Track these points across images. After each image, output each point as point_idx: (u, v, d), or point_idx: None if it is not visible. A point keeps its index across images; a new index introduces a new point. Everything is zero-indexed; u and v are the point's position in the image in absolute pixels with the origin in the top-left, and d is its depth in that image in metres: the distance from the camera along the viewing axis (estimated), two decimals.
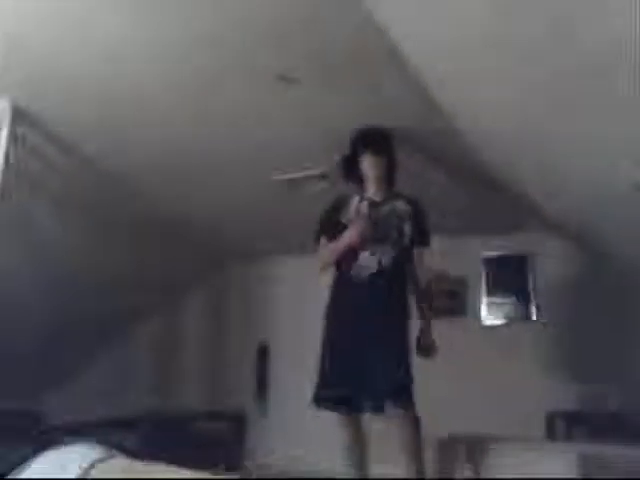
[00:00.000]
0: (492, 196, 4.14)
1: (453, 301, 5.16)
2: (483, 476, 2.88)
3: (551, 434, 3.86)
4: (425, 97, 2.81)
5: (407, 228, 2.98)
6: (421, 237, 3.05)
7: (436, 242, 4.76)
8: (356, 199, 3.07)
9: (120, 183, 3.98)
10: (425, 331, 2.96)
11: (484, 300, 5.09)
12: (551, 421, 3.92)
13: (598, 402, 4.10)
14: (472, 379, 4.77)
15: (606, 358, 4.41)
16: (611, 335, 4.44)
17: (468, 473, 3.00)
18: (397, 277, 2.93)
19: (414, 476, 2.62)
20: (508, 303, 5.01)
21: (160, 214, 4.52)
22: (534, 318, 4.89)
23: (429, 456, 3.21)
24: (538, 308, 4.88)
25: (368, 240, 2.89)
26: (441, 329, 4.79)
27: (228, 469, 4.60)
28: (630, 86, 2.01)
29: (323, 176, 3.90)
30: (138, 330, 5.94)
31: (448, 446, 3.29)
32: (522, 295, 4.97)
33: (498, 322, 5.01)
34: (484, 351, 4.85)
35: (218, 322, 6.04)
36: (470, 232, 4.92)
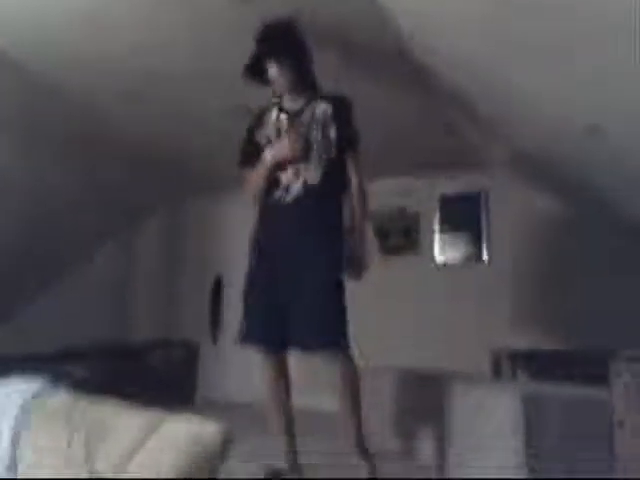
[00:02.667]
0: (447, 133, 4.09)
1: (407, 239, 5.21)
2: (430, 412, 2.91)
3: (497, 373, 3.97)
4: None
5: (332, 133, 2.60)
6: (349, 139, 2.64)
7: (392, 180, 4.85)
8: (274, 111, 2.71)
9: (77, 104, 3.83)
10: (355, 245, 2.62)
11: (437, 237, 5.12)
12: (497, 360, 4.02)
13: (543, 341, 4.22)
14: (422, 315, 4.88)
15: (554, 298, 4.53)
16: (560, 275, 4.55)
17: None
18: (327, 197, 2.58)
19: (349, 417, 2.51)
20: (461, 241, 5.06)
21: (117, 138, 4.38)
22: (485, 257, 4.96)
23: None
24: (489, 247, 4.94)
25: (295, 157, 2.55)
26: (394, 266, 4.94)
27: (181, 400, 4.64)
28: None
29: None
30: (92, 259, 5.84)
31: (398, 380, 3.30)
32: (474, 234, 5.02)
33: (450, 260, 5.07)
34: (435, 288, 4.94)
35: (174, 253, 6.00)
36: (426, 170, 4.91)
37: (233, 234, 5.68)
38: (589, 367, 3.04)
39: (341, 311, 2.50)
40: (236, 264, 5.55)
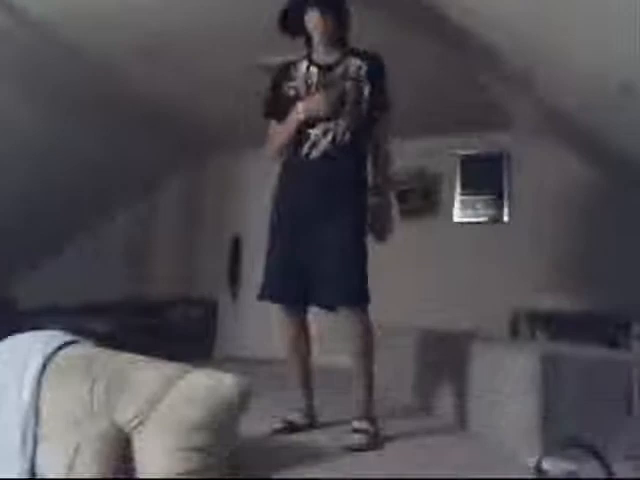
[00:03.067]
0: (473, 92, 4.02)
1: (428, 200, 5.17)
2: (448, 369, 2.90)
3: (515, 333, 3.97)
4: None
5: (366, 91, 2.52)
6: (382, 102, 2.58)
7: (413, 140, 4.79)
8: (304, 64, 2.60)
9: (92, 62, 3.78)
10: (381, 209, 2.57)
11: (457, 197, 5.08)
12: (516, 320, 4.02)
13: (564, 303, 4.20)
14: (442, 276, 4.87)
15: (575, 259, 4.50)
16: (582, 236, 4.51)
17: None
18: (354, 156, 2.54)
19: (360, 376, 2.48)
20: (481, 201, 5.02)
21: (136, 98, 4.34)
22: (506, 218, 4.92)
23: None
24: (511, 208, 4.90)
25: (327, 115, 2.47)
26: (414, 226, 4.92)
27: (199, 355, 4.70)
28: None
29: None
30: (112, 217, 5.88)
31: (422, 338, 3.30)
32: (495, 195, 4.97)
33: (470, 219, 5.04)
34: (455, 249, 4.92)
35: (193, 212, 6.01)
36: (449, 130, 4.84)
37: (251, 193, 5.68)
38: (609, 329, 3.03)
39: (362, 269, 2.47)
40: (254, 222, 5.59)
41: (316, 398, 2.67)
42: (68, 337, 2.01)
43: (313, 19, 2.53)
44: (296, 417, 2.56)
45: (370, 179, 2.62)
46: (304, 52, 2.66)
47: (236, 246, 5.82)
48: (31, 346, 1.92)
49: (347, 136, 2.50)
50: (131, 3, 3.15)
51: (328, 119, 2.49)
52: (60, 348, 1.91)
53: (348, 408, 2.52)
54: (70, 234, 5.62)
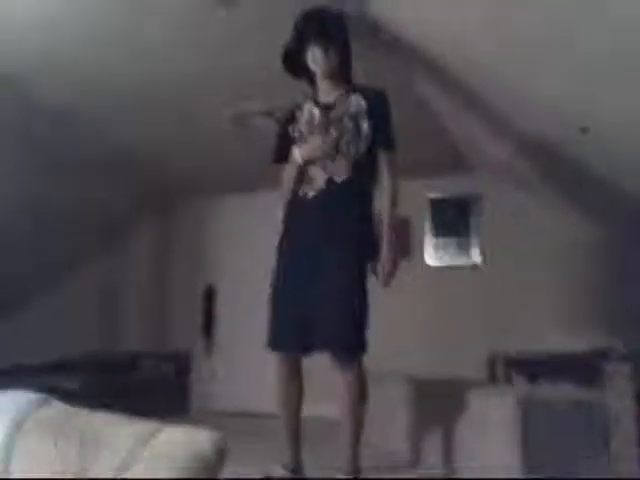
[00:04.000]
0: (438, 135, 4.09)
1: (399, 243, 5.17)
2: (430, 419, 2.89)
3: (492, 377, 3.96)
4: None
5: (365, 127, 2.51)
6: (382, 136, 2.56)
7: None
8: (308, 105, 2.64)
9: (57, 115, 3.78)
10: (387, 255, 2.52)
11: (428, 241, 5.11)
12: (492, 364, 4.01)
13: (537, 344, 4.21)
14: (414, 319, 4.86)
15: (548, 304, 4.54)
16: (554, 283, 4.56)
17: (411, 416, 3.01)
18: (353, 193, 2.49)
19: (349, 426, 2.46)
20: (453, 245, 5.05)
21: (101, 149, 4.34)
22: (477, 261, 4.95)
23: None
24: (481, 251, 4.94)
25: (324, 157, 2.48)
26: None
27: (175, 411, 4.59)
28: None
29: (270, 113, 3.72)
30: (80, 270, 5.79)
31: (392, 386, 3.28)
32: (466, 237, 5.01)
33: (442, 264, 5.06)
34: (427, 292, 4.92)
35: (163, 263, 5.96)
36: (414, 173, 4.90)
37: (224, 241, 5.66)
38: (584, 369, 3.04)
39: (360, 318, 2.45)
40: (228, 271, 5.58)
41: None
42: (36, 397, 1.94)
43: (315, 55, 2.55)
44: (277, 471, 2.50)
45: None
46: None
47: (209, 297, 5.76)
48: None
49: (345, 174, 2.48)
50: (99, 55, 3.17)
51: (326, 159, 2.50)
52: (29, 408, 1.84)
53: (327, 459, 2.48)
54: (36, 289, 5.52)
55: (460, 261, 5.03)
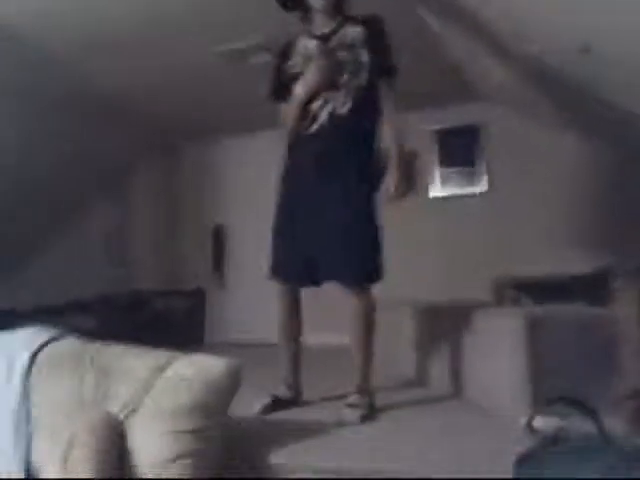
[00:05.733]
0: (441, 64, 4.02)
1: (408, 176, 5.17)
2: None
3: (500, 300, 4.00)
4: None
5: (364, 56, 2.44)
6: (384, 64, 2.48)
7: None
8: (302, 40, 2.57)
9: (51, 60, 3.74)
10: (396, 172, 2.48)
11: (436, 172, 5.10)
12: (500, 288, 4.05)
13: (546, 269, 4.23)
14: (422, 248, 4.90)
15: (554, 227, 4.55)
16: (560, 206, 4.56)
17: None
18: (355, 126, 2.44)
19: (359, 350, 2.48)
20: (460, 174, 5.04)
21: (96, 92, 4.30)
22: (485, 189, 4.95)
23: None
24: (487, 179, 4.93)
25: (324, 84, 2.41)
26: (395, 203, 4.91)
27: (189, 344, 4.69)
28: None
29: (266, 48, 3.64)
30: (92, 213, 5.83)
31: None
32: (474, 166, 5.00)
33: (450, 193, 5.07)
34: (435, 221, 4.95)
35: (173, 203, 5.98)
36: (423, 106, 4.84)
37: (230, 181, 5.67)
38: (592, 288, 3.07)
39: (376, 244, 2.46)
40: (236, 210, 5.60)
41: (304, 376, 2.68)
42: (53, 332, 1.99)
43: None
44: (282, 391, 2.58)
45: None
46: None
47: (218, 235, 5.81)
48: (16, 343, 1.91)
49: (346, 106, 2.44)
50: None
51: (327, 90, 2.45)
52: (46, 343, 1.89)
53: (335, 385, 2.55)
54: (48, 233, 5.57)
55: (466, 190, 5.02)
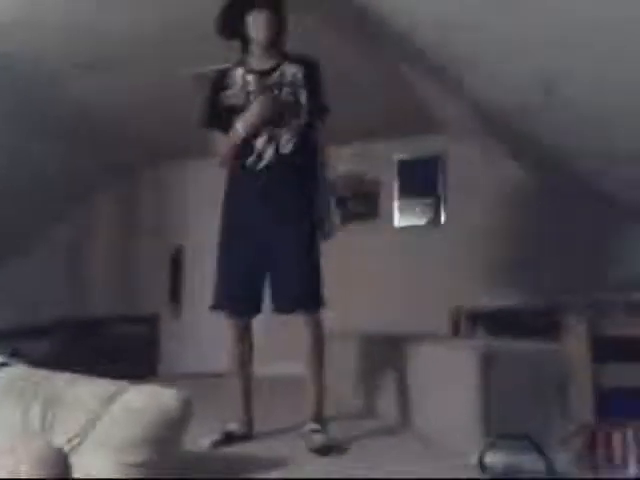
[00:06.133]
0: (404, 96, 4.10)
1: (367, 204, 5.24)
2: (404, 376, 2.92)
3: (456, 332, 4.04)
4: None
5: (302, 98, 2.52)
6: (320, 107, 2.57)
7: (349, 146, 4.84)
8: (239, 71, 2.58)
9: (17, 78, 3.69)
10: (324, 208, 2.60)
11: (396, 202, 5.17)
12: (456, 319, 4.10)
13: (499, 300, 4.30)
14: (382, 279, 4.93)
15: (509, 260, 4.63)
16: (515, 238, 4.65)
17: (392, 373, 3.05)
18: (299, 163, 2.53)
19: (313, 381, 2.51)
20: (419, 205, 5.11)
21: (61, 110, 4.25)
22: (442, 220, 5.03)
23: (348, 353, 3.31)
24: (447, 211, 5.01)
25: (265, 121, 2.46)
26: (354, 231, 4.96)
27: (142, 373, 4.61)
28: None
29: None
30: (48, 236, 5.73)
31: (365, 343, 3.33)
32: (433, 198, 5.07)
33: (408, 223, 5.13)
34: (394, 252, 4.99)
35: (130, 227, 5.91)
36: (385, 135, 4.93)
37: (191, 204, 5.63)
38: (545, 322, 3.12)
39: (317, 273, 2.51)
40: (196, 234, 5.57)
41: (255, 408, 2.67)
42: (3, 359, 1.95)
43: (259, 21, 2.51)
44: (234, 427, 2.55)
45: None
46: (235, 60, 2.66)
47: (177, 260, 5.75)
48: None
49: (290, 145, 2.51)
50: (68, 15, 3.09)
51: (269, 125, 2.48)
52: None
53: (284, 416, 2.53)
54: (4, 254, 5.45)
55: (425, 220, 5.09)
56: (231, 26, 2.58)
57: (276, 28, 2.54)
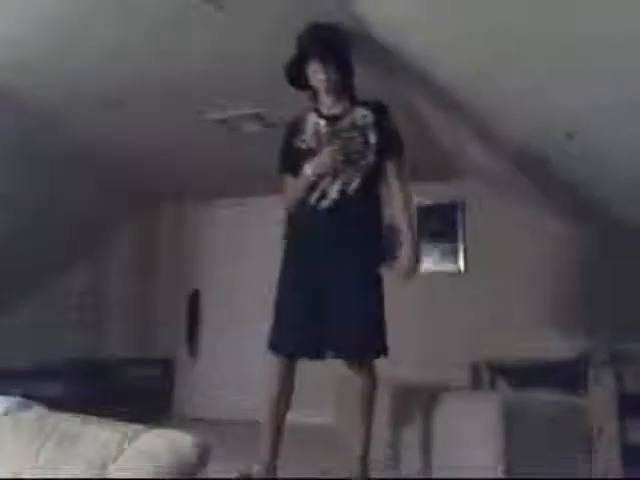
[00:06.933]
0: (426, 140, 4.12)
1: (388, 249, 5.22)
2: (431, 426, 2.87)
3: (476, 384, 3.96)
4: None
5: (372, 138, 2.56)
6: (391, 147, 2.61)
7: None
8: (312, 117, 2.67)
9: (38, 116, 3.75)
10: (406, 249, 2.59)
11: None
12: (476, 370, 4.02)
13: (523, 351, 4.22)
14: (398, 325, 4.86)
15: (531, 311, 4.56)
16: (537, 289, 4.59)
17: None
18: (364, 203, 2.55)
19: (362, 425, 2.59)
20: (438, 251, 5.09)
21: (84, 151, 4.30)
22: (462, 269, 4.98)
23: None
24: (466, 257, 4.98)
25: (335, 170, 2.51)
26: None
27: (157, 418, 4.56)
28: None
29: (259, 116, 3.73)
30: (63, 275, 5.74)
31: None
32: (452, 245, 5.05)
33: (428, 270, 5.09)
34: (414, 298, 4.94)
35: (148, 268, 5.92)
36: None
37: (208, 246, 5.65)
38: (568, 375, 3.06)
39: (382, 320, 2.54)
40: (213, 277, 5.57)
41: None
42: (19, 401, 1.92)
43: (315, 70, 2.59)
44: (257, 470, 2.49)
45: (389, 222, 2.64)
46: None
47: (194, 302, 5.74)
48: None
49: (356, 185, 2.53)
50: (84, 57, 3.16)
51: (337, 172, 2.53)
52: (10, 412, 1.82)
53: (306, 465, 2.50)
54: (20, 293, 5.46)
55: (444, 267, 5.06)
56: (298, 78, 2.69)
57: (337, 75, 2.61)
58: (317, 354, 2.52)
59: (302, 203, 2.59)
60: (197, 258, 5.72)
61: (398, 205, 2.62)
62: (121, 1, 2.66)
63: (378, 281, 2.55)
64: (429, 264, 5.09)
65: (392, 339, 4.70)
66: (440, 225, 5.10)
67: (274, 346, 2.55)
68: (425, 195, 5.09)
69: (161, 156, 4.62)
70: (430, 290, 4.94)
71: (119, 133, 4.15)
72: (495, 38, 2.35)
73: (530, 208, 4.64)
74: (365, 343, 2.47)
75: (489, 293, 4.73)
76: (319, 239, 2.54)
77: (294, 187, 2.63)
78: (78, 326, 5.59)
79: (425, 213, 5.13)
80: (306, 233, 2.60)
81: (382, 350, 2.52)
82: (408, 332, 4.82)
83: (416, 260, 2.61)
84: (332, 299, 2.46)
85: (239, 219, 5.46)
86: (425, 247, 5.12)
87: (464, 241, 5.01)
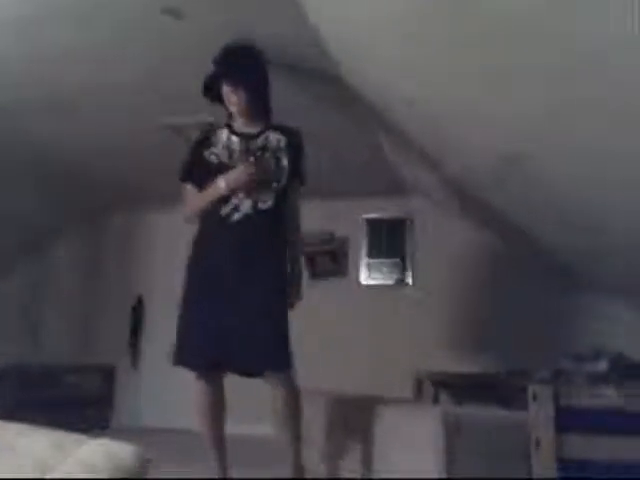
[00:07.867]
0: (378, 158, 4.18)
1: (336, 262, 5.27)
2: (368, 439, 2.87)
3: (419, 396, 4.01)
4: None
5: (284, 162, 2.61)
6: (296, 174, 2.67)
7: (319, 203, 4.88)
8: (224, 132, 2.67)
9: None
10: (294, 285, 2.67)
11: (364, 261, 5.20)
12: (419, 383, 4.07)
13: (465, 366, 4.30)
14: (345, 338, 4.90)
15: (474, 324, 4.65)
16: (480, 303, 4.68)
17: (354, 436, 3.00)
18: (274, 220, 2.58)
19: (291, 442, 2.55)
20: (386, 264, 5.15)
21: (29, 153, 4.20)
22: (409, 281, 5.05)
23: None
24: (413, 271, 5.04)
25: (251, 185, 2.51)
26: (322, 288, 4.95)
27: (95, 427, 4.46)
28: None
29: (212, 125, 3.69)
30: (7, 278, 5.58)
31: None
32: (399, 258, 5.12)
33: (375, 283, 5.15)
34: (362, 310, 4.98)
35: (90, 274, 5.80)
36: (354, 194, 5.00)
37: (153, 254, 5.57)
38: (509, 390, 3.12)
39: (285, 333, 2.49)
40: (158, 284, 5.48)
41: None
42: None
43: (227, 93, 2.61)
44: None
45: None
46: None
47: (137, 309, 5.64)
48: None
49: (268, 204, 2.55)
50: (37, 59, 3.08)
51: (252, 188, 2.53)
52: None
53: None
54: None
55: (392, 280, 5.11)
56: (214, 94, 2.68)
57: (249, 99, 2.61)
58: (217, 369, 2.52)
59: (210, 214, 2.57)
60: (140, 266, 5.63)
61: (290, 233, 2.69)
62: (75, 5, 2.62)
63: (282, 296, 2.56)
64: (377, 277, 5.15)
65: (337, 352, 4.77)
66: (390, 239, 5.19)
67: (177, 360, 2.52)
68: (374, 209, 5.17)
69: (112, 161, 4.53)
70: (379, 302, 5.00)
71: (70, 137, 4.07)
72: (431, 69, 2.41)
73: (472, 227, 4.76)
74: (264, 358, 2.43)
75: (434, 307, 4.81)
76: (225, 251, 2.52)
77: (198, 197, 2.62)
78: (17, 333, 5.44)
79: (376, 227, 5.22)
80: (213, 244, 2.58)
81: (285, 364, 2.47)
82: (354, 345, 4.86)
83: (297, 292, 2.69)
84: (235, 315, 2.44)
85: (182, 226, 5.40)
86: (375, 260, 5.19)
87: (412, 255, 5.08)
